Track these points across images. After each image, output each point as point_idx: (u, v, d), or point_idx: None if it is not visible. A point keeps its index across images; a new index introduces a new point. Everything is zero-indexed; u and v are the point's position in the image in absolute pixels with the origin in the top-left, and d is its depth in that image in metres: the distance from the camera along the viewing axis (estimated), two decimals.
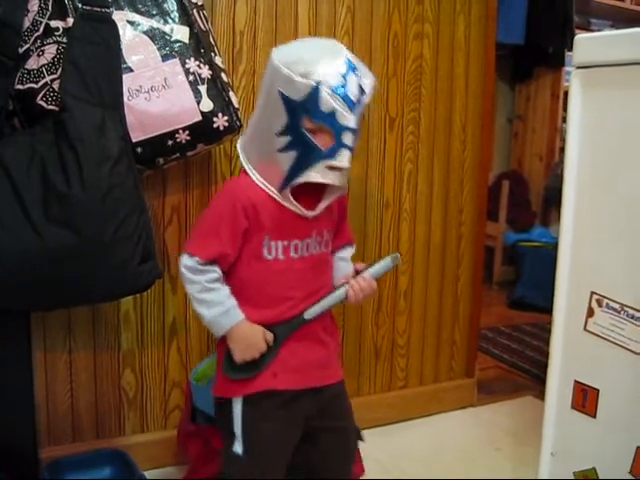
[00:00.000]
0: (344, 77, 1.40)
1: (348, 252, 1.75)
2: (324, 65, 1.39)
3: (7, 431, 1.86)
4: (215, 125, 1.77)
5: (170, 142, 1.75)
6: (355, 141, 1.46)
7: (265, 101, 1.49)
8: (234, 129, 1.81)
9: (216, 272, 1.51)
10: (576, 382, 1.30)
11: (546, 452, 1.35)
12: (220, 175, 2.10)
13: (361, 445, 2.15)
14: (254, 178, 1.51)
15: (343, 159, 1.43)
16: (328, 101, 1.38)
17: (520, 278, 4.37)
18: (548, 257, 3.82)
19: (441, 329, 2.62)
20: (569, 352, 1.32)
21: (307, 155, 1.43)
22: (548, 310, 1.49)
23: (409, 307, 2.53)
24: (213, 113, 1.76)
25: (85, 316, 2.01)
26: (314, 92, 1.38)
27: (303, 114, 1.40)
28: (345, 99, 1.39)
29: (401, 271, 2.48)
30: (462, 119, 2.53)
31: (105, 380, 2.08)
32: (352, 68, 1.43)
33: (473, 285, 2.66)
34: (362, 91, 1.44)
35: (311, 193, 1.53)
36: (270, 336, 1.53)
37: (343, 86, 1.39)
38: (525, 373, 3.14)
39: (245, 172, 1.54)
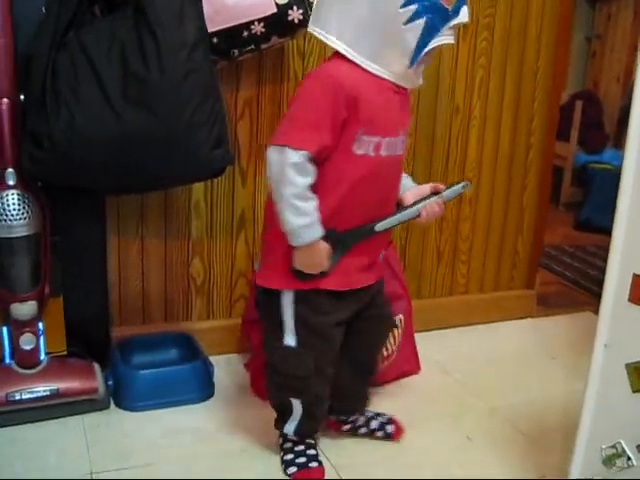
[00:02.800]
0: None
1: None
2: None
3: (82, 309, 1.97)
4: (290, 18, 1.79)
5: (245, 33, 1.78)
6: None
7: None
8: (308, 23, 1.82)
9: (314, 175, 1.45)
10: (635, 275, 1.31)
11: (600, 344, 1.37)
12: (292, 72, 2.11)
13: (421, 346, 2.21)
14: (360, 63, 1.45)
15: (465, 15, 1.45)
16: None
17: (587, 200, 4.31)
18: (618, 180, 3.76)
19: (504, 238, 2.64)
20: (630, 244, 1.32)
21: (435, 19, 1.40)
22: None
23: (473, 214, 2.54)
24: (288, 6, 1.78)
25: (157, 204, 2.08)
26: None
27: None
28: None
29: (467, 177, 2.48)
30: (537, 27, 2.48)
31: (175, 267, 2.16)
32: None
33: (539, 196, 2.65)
34: None
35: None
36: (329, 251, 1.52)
37: None
38: (586, 291, 3.14)
39: (339, 58, 1.46)
